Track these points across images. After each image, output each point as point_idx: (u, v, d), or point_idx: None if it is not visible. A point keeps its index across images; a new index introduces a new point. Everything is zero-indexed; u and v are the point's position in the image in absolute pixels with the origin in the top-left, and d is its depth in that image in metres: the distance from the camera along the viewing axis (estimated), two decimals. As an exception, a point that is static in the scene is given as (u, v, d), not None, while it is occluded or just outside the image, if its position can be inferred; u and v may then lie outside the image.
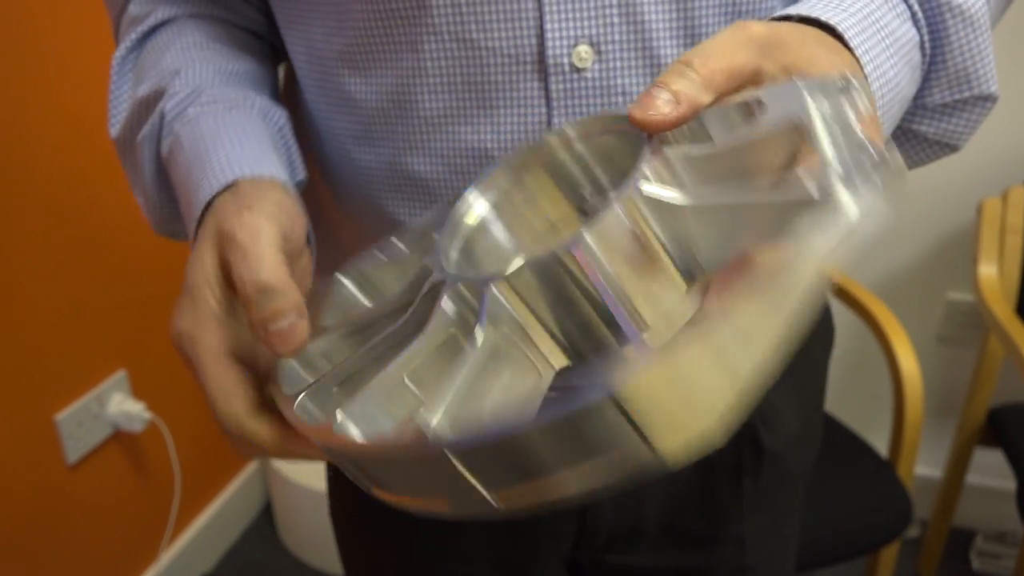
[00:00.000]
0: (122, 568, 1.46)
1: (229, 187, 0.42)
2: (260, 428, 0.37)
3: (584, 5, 0.43)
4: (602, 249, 0.29)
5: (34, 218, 1.19)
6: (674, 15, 0.44)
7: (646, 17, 0.43)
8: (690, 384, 0.22)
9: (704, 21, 0.44)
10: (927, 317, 1.66)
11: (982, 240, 1.37)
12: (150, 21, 0.54)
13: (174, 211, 0.52)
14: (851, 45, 0.37)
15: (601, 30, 0.44)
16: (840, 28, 0.37)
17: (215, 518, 1.68)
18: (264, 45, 0.60)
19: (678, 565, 0.65)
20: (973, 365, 1.48)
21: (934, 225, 1.60)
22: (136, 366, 1.42)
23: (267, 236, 0.38)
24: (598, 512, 0.61)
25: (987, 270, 1.36)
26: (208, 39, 0.54)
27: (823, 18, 0.38)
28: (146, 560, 1.51)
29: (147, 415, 1.38)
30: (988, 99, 0.45)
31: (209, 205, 0.42)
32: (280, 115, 0.51)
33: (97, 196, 1.30)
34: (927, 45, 0.43)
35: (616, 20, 0.43)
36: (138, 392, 1.42)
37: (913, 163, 0.49)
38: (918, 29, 0.42)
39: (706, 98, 0.32)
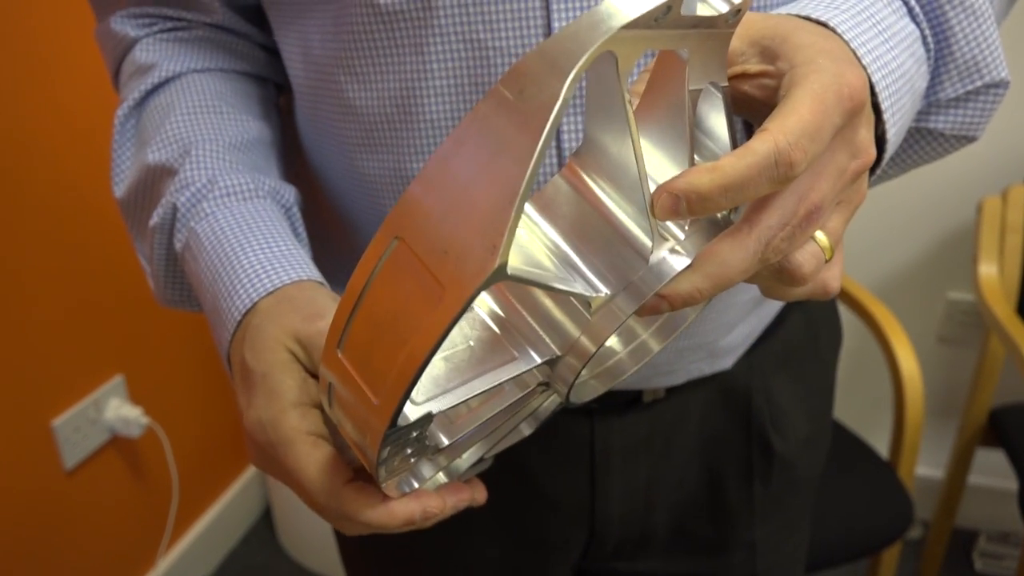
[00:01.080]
0: (120, 574, 1.45)
1: (273, 292, 0.44)
2: (361, 498, 0.38)
3: (591, 3, 0.43)
4: None
5: (32, 223, 1.18)
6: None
7: None
8: None
9: None
10: (927, 317, 1.65)
11: (982, 239, 1.36)
12: (155, 77, 0.54)
13: (182, 293, 0.53)
14: (846, 38, 0.36)
15: None
16: (832, 23, 0.36)
17: (214, 523, 1.67)
18: (268, 89, 0.60)
19: (688, 571, 0.65)
20: (974, 365, 1.48)
21: (934, 224, 1.60)
22: (133, 371, 1.41)
23: None
24: (607, 519, 0.60)
25: (987, 269, 1.35)
26: (216, 100, 0.53)
27: (814, 16, 0.37)
28: (144, 566, 1.50)
29: (145, 420, 1.38)
30: (1000, 85, 0.44)
31: (252, 307, 0.44)
32: (289, 194, 0.52)
33: (95, 201, 1.29)
34: (930, 40, 0.42)
35: None
36: (135, 397, 1.41)
37: (930, 158, 0.49)
38: (917, 24, 0.42)
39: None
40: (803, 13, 0.38)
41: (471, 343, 0.33)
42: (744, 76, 0.35)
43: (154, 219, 0.50)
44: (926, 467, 1.73)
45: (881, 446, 1.34)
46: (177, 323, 1.52)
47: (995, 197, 1.36)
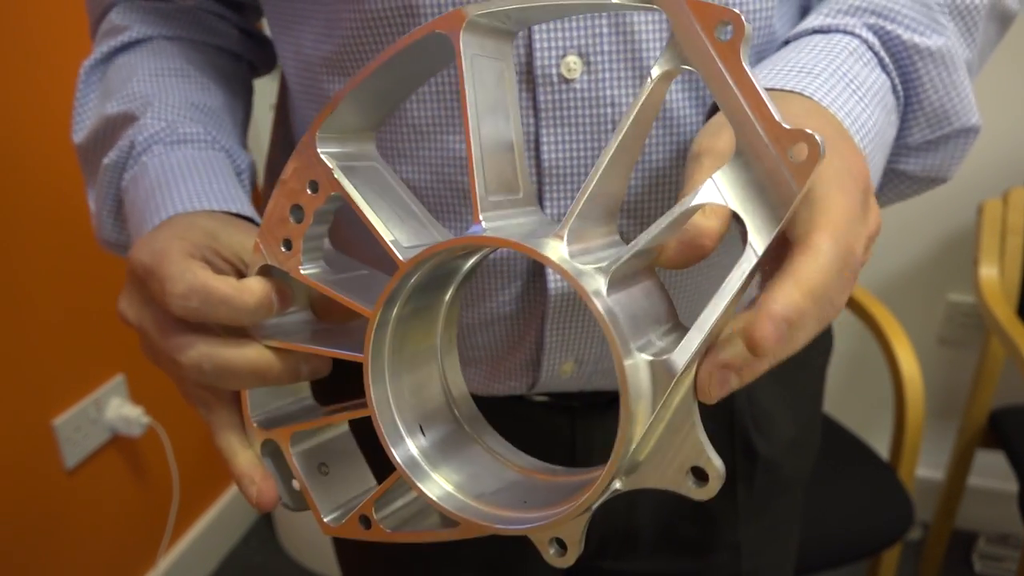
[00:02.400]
0: (121, 573, 1.46)
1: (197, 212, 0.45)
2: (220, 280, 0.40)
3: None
4: None
5: (32, 223, 1.19)
6: (666, 23, 0.44)
7: (635, 28, 0.43)
8: None
9: None
10: (928, 319, 1.66)
11: (983, 241, 1.36)
12: (125, 37, 0.55)
13: (122, 234, 0.54)
14: (825, 104, 0.37)
15: (590, 41, 0.43)
16: (808, 93, 0.37)
17: (214, 523, 1.68)
18: (240, 65, 0.61)
19: (673, 571, 0.65)
20: (974, 367, 1.48)
21: (935, 226, 1.60)
22: (134, 370, 1.41)
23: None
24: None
25: (988, 271, 1.35)
26: (184, 64, 0.55)
27: (788, 88, 0.38)
28: (144, 565, 1.51)
29: (145, 420, 1.38)
30: (970, 131, 0.45)
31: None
32: (243, 160, 0.53)
33: (95, 200, 1.30)
34: (899, 88, 0.43)
35: (605, 31, 0.43)
36: (136, 397, 1.42)
37: (901, 198, 0.50)
38: (888, 74, 0.43)
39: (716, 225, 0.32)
40: (780, 85, 0.38)
41: None
42: None
43: (109, 157, 0.51)
44: (926, 468, 1.73)
45: (881, 447, 1.34)
46: (178, 323, 1.52)
47: (996, 199, 1.36)
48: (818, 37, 0.43)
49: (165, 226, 0.44)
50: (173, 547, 1.57)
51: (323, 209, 0.38)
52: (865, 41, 0.43)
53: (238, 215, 0.46)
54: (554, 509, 0.34)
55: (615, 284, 0.31)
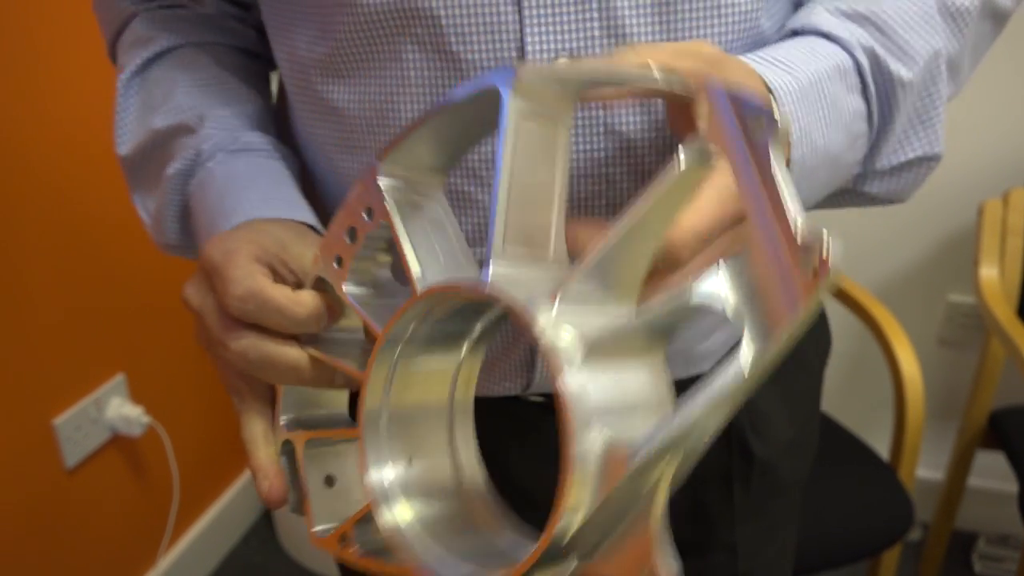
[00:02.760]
0: (121, 573, 1.46)
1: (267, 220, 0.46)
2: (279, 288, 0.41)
3: (565, 18, 0.43)
4: None
5: (32, 223, 1.19)
6: (656, 28, 0.44)
7: (627, 31, 0.43)
8: None
9: (686, 35, 0.44)
10: (928, 319, 1.66)
11: (983, 242, 1.36)
12: (155, 47, 0.56)
13: (185, 238, 0.55)
14: (783, 110, 0.38)
15: (581, 43, 0.43)
16: (776, 92, 0.39)
17: (214, 522, 1.68)
18: (261, 63, 0.62)
19: None
20: (974, 367, 1.48)
21: (935, 227, 1.60)
22: (135, 370, 1.41)
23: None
24: None
25: (988, 272, 1.35)
26: (219, 72, 0.56)
27: (766, 77, 0.39)
28: (145, 565, 1.51)
29: (146, 419, 1.38)
30: (933, 159, 0.46)
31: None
32: (294, 165, 0.54)
33: (95, 201, 1.30)
34: (875, 117, 0.44)
35: (597, 34, 0.43)
36: (136, 396, 1.42)
37: (846, 207, 0.51)
38: (867, 101, 0.43)
39: None
40: (759, 70, 0.39)
41: None
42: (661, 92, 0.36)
43: (173, 167, 0.52)
44: (926, 469, 1.73)
45: (881, 448, 1.34)
46: (179, 323, 1.52)
47: (996, 200, 1.36)
48: (819, 41, 0.44)
49: (240, 228, 0.45)
50: (173, 547, 1.57)
51: (375, 234, 0.38)
52: (857, 63, 0.43)
53: (303, 223, 0.48)
54: (492, 573, 0.33)
55: (597, 359, 0.30)
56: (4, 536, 1.20)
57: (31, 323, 1.20)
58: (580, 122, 0.45)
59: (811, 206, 0.46)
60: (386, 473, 0.37)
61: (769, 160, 0.26)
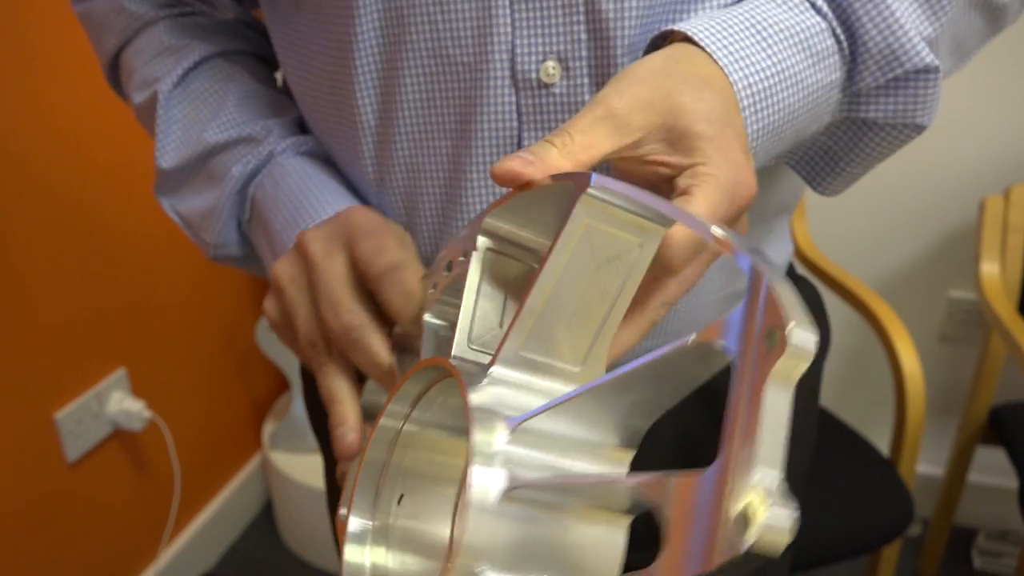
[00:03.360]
0: (122, 566, 1.46)
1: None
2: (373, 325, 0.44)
3: (553, 21, 0.44)
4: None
5: (34, 218, 1.19)
6: (641, 32, 0.44)
7: (613, 35, 0.44)
8: None
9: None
10: (929, 315, 1.66)
11: (984, 238, 1.36)
12: (192, 57, 0.57)
13: (239, 239, 0.56)
14: (701, 45, 0.39)
15: (569, 46, 0.44)
16: (691, 33, 0.39)
17: (215, 516, 1.68)
18: (273, 68, 0.63)
19: None
20: (975, 363, 1.48)
21: (936, 223, 1.60)
22: (136, 365, 1.42)
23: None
24: None
25: (989, 268, 1.35)
26: (255, 84, 0.58)
27: (680, 29, 0.40)
28: (146, 559, 1.51)
29: (147, 414, 1.38)
30: (927, 71, 0.43)
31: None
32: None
33: (97, 197, 1.30)
34: (839, 32, 0.42)
35: (584, 37, 0.44)
36: (138, 391, 1.42)
37: (880, 154, 0.48)
38: (823, 17, 0.42)
39: (566, 165, 0.33)
40: (677, 27, 0.40)
41: None
42: (641, 161, 0.36)
43: (242, 166, 0.54)
44: (926, 465, 1.74)
45: (882, 443, 1.34)
46: (180, 318, 1.52)
47: (998, 196, 1.36)
48: None
49: (337, 222, 0.47)
50: (175, 540, 1.58)
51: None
52: None
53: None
54: None
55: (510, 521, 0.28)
56: (6, 529, 1.20)
57: (32, 318, 1.20)
58: None
59: (809, 135, 0.45)
60: (372, 516, 0.37)
61: (764, 382, 0.23)
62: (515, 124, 0.46)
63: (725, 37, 0.39)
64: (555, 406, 0.29)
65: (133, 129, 0.70)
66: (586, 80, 0.45)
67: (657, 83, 0.36)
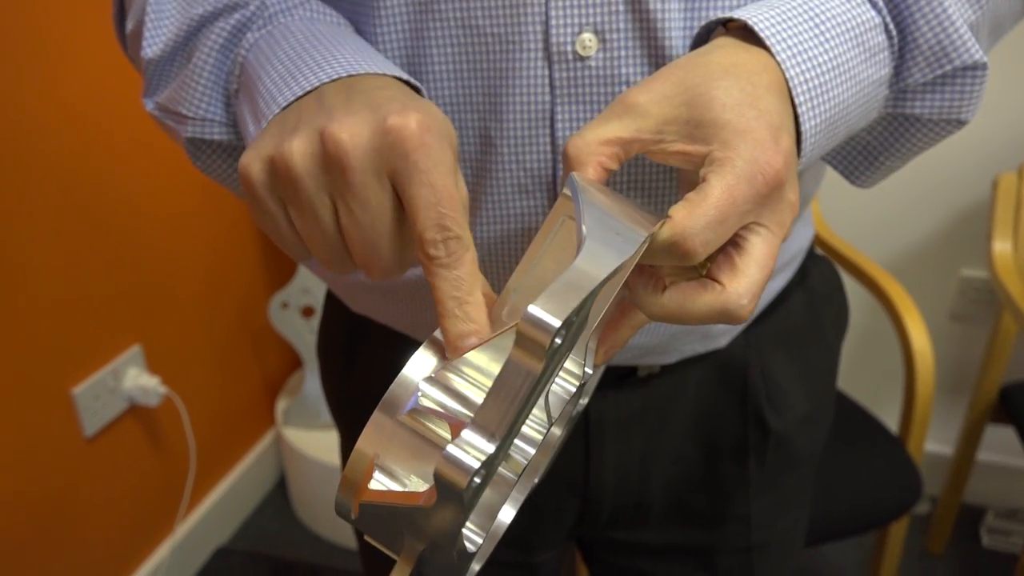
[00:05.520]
0: (139, 540, 1.49)
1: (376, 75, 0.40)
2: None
3: None
4: None
5: (51, 198, 1.20)
6: (680, 4, 0.44)
7: (652, 6, 0.43)
8: None
9: (709, 13, 0.44)
10: (940, 294, 1.65)
11: (997, 216, 1.35)
12: None
13: (224, 111, 0.47)
14: (762, 37, 0.38)
15: (606, 18, 0.43)
16: (751, 23, 0.38)
17: (230, 491, 1.70)
18: None
19: (683, 542, 0.66)
20: (986, 342, 1.48)
21: (948, 201, 1.59)
22: (151, 341, 1.43)
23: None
24: (600, 490, 0.62)
25: (1002, 246, 1.35)
26: None
27: (738, 16, 0.39)
28: (163, 532, 1.54)
29: (162, 390, 1.40)
30: (976, 68, 0.43)
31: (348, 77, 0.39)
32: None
33: (113, 176, 1.31)
34: (892, 27, 0.42)
35: (621, 8, 0.43)
36: (153, 367, 1.44)
37: (920, 147, 0.48)
38: (877, 11, 0.42)
39: (569, 149, 0.37)
40: (735, 13, 0.39)
41: None
42: (665, 152, 0.37)
43: (227, 21, 0.45)
44: (935, 443, 1.74)
45: (891, 421, 1.35)
46: (194, 295, 1.53)
47: (1011, 173, 1.35)
48: None
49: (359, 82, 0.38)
50: (190, 514, 1.60)
51: None
52: None
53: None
54: None
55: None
56: (25, 503, 1.23)
57: (49, 295, 1.22)
58: None
59: (857, 132, 0.45)
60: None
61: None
62: (547, 98, 0.45)
63: (785, 29, 0.39)
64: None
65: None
66: (623, 53, 0.44)
67: (678, 77, 0.37)
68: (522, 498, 0.40)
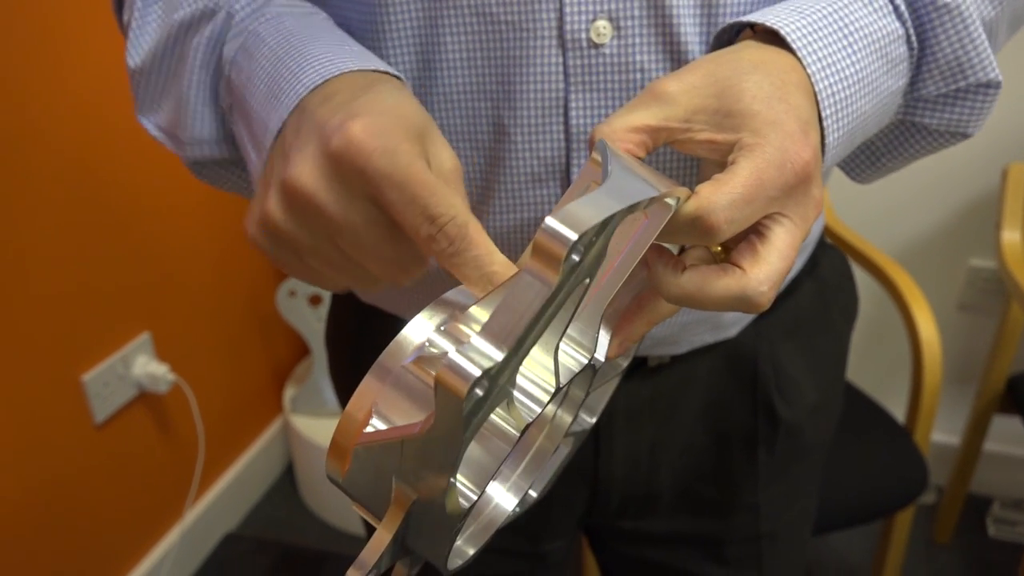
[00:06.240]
0: (148, 525, 1.50)
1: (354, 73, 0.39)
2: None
3: None
4: None
5: (60, 187, 1.20)
6: None
7: None
8: None
9: (723, 0, 0.44)
10: (948, 284, 1.65)
11: (1006, 206, 1.35)
12: None
13: (216, 130, 0.47)
14: (795, 47, 0.38)
15: (620, 5, 0.43)
16: (782, 31, 0.38)
17: (238, 478, 1.71)
18: None
19: (692, 532, 0.66)
20: (993, 332, 1.48)
21: (957, 190, 1.58)
22: (160, 329, 1.44)
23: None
24: (609, 479, 0.62)
25: (1011, 236, 1.34)
26: None
27: (766, 22, 0.39)
28: (172, 518, 1.55)
29: (171, 377, 1.41)
30: (989, 86, 0.44)
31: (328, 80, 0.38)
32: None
33: (122, 164, 1.31)
34: (914, 39, 0.42)
35: None
36: (162, 354, 1.44)
37: (922, 154, 0.49)
38: (902, 23, 0.42)
39: (604, 130, 0.36)
40: (761, 20, 0.39)
41: None
42: (693, 141, 0.36)
43: (202, 35, 0.45)
44: (942, 433, 1.74)
45: (898, 411, 1.35)
46: (202, 283, 1.54)
47: (1021, 163, 1.35)
48: None
49: (340, 89, 0.37)
50: (199, 500, 1.61)
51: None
52: None
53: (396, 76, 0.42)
54: None
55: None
56: (36, 488, 1.24)
57: (59, 283, 1.22)
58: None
59: (868, 138, 0.45)
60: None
61: None
62: (561, 86, 0.45)
63: (816, 40, 0.39)
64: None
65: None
66: (638, 40, 0.44)
67: (707, 69, 0.37)
68: (525, 487, 0.39)
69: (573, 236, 0.27)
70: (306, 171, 0.34)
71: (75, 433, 1.29)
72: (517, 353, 0.28)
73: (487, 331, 0.27)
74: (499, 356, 0.26)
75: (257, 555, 1.59)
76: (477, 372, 0.26)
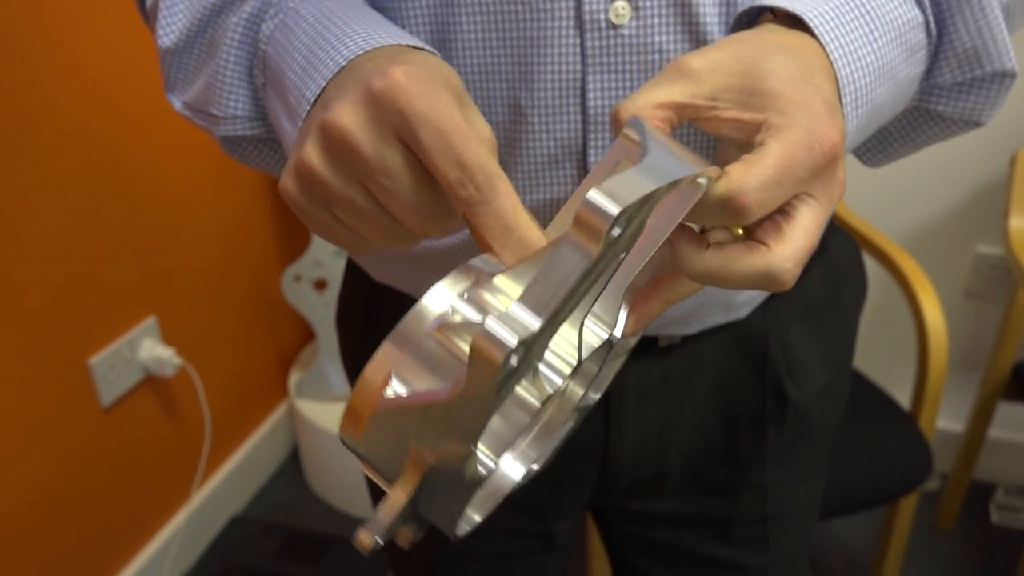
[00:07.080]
0: (156, 508, 1.51)
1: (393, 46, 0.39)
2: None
3: None
4: None
5: (67, 171, 1.20)
6: None
7: None
8: None
9: None
10: (955, 270, 1.64)
11: (1014, 192, 1.34)
12: None
13: (252, 105, 0.47)
14: (818, 32, 0.38)
15: None
16: (806, 18, 0.38)
17: (244, 461, 1.72)
18: None
19: (699, 512, 0.66)
20: (1000, 319, 1.47)
21: (965, 176, 1.58)
22: (166, 313, 1.44)
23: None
24: (619, 460, 0.62)
25: (1018, 223, 1.34)
26: None
27: (790, 9, 0.38)
28: (179, 500, 1.56)
29: (177, 360, 1.41)
30: (1005, 75, 0.44)
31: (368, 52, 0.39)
32: None
33: (128, 148, 1.31)
34: (933, 27, 0.42)
35: None
36: (168, 338, 1.45)
37: (934, 140, 0.49)
38: (922, 10, 0.42)
39: (630, 107, 0.36)
40: (784, 5, 0.39)
41: None
42: (718, 119, 0.36)
43: (241, 14, 0.46)
44: (948, 420, 1.74)
45: (903, 398, 1.35)
46: (208, 268, 1.54)
47: (1029, 149, 1.34)
48: None
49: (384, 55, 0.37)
50: (206, 483, 1.62)
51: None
52: None
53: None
54: None
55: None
56: (44, 471, 1.24)
57: (66, 266, 1.23)
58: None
59: (883, 123, 0.45)
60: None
61: None
62: (578, 67, 0.45)
63: (838, 26, 0.38)
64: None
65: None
66: (656, 21, 0.44)
67: (732, 49, 0.37)
68: (533, 456, 0.39)
69: (616, 210, 0.27)
70: (346, 111, 0.34)
71: (82, 416, 1.30)
72: (552, 324, 0.28)
73: (525, 299, 0.27)
74: (536, 326, 0.26)
75: (263, 538, 1.60)
76: (514, 341, 0.26)
